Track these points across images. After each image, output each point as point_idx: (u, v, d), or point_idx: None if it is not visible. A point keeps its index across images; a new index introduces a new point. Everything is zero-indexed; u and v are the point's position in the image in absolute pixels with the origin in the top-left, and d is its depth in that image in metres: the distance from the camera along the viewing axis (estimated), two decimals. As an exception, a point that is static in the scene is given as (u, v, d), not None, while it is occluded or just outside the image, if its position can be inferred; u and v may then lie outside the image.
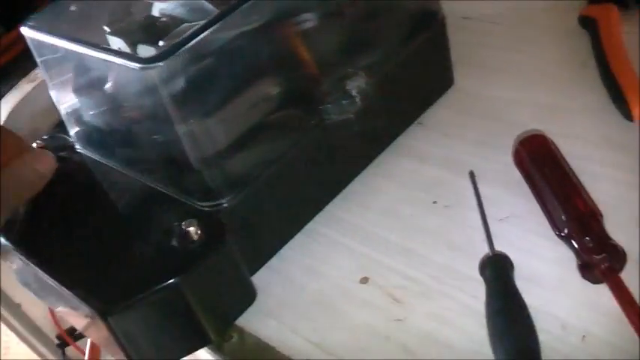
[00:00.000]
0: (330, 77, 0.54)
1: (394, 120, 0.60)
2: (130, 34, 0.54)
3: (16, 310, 1.23)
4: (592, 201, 0.48)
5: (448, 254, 0.52)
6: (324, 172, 0.56)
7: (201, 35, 0.47)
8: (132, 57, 0.48)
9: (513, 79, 0.65)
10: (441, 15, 0.62)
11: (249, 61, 0.50)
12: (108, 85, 0.53)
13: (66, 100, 0.58)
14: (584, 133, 0.57)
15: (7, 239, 0.56)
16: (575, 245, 0.45)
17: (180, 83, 0.47)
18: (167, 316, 0.48)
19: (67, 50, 0.53)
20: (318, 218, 0.58)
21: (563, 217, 0.47)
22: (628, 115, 0.55)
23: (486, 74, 0.66)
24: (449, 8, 0.63)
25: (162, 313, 0.48)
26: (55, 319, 0.61)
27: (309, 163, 0.54)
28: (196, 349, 0.50)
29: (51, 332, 1.29)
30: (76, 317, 0.54)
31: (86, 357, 0.59)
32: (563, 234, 0.46)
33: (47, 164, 0.55)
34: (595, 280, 0.45)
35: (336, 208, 0.58)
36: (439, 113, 0.64)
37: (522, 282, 0.46)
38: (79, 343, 1.27)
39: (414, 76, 0.60)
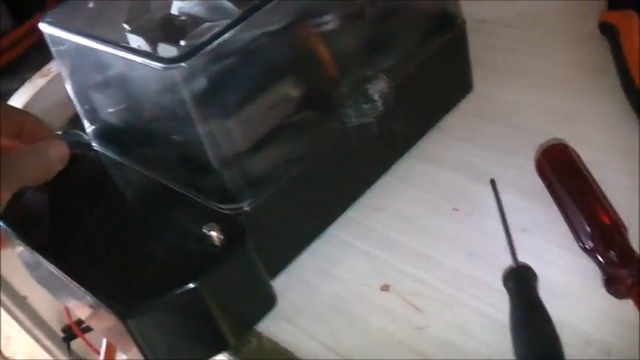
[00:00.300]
0: (350, 80, 0.53)
1: (413, 124, 0.58)
2: (149, 32, 0.53)
3: (21, 302, 1.22)
4: (616, 213, 0.46)
5: (467, 262, 0.51)
6: (344, 175, 0.55)
7: (225, 36, 0.46)
8: (154, 56, 0.46)
9: (531, 84, 0.64)
10: (461, 18, 0.61)
11: (271, 62, 0.49)
12: (128, 84, 0.51)
13: (83, 97, 0.57)
14: (603, 141, 0.56)
15: (21, 235, 0.55)
16: (600, 259, 0.44)
17: (202, 83, 0.46)
18: (186, 319, 0.47)
19: (86, 47, 0.51)
20: (332, 220, 0.57)
21: (586, 229, 0.46)
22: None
23: (503, 78, 0.65)
24: (464, 11, 0.61)
25: (182, 317, 0.47)
26: (69, 315, 0.60)
27: (328, 167, 0.53)
28: (215, 354, 0.49)
29: (57, 325, 1.28)
30: (92, 316, 0.53)
31: (102, 356, 0.58)
32: (587, 247, 0.45)
33: (60, 152, 0.54)
34: (620, 295, 0.44)
35: (351, 210, 0.57)
36: (456, 117, 0.63)
37: (544, 294, 0.45)
38: (88, 337, 1.27)
39: (434, 79, 0.59)
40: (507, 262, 0.49)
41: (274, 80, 0.50)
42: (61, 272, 0.49)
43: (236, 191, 0.49)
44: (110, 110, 0.56)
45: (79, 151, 0.58)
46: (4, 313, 1.21)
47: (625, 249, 0.44)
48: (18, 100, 0.78)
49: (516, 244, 0.50)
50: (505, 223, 0.51)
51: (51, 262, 0.51)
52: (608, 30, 0.62)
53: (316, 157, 0.52)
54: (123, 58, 0.49)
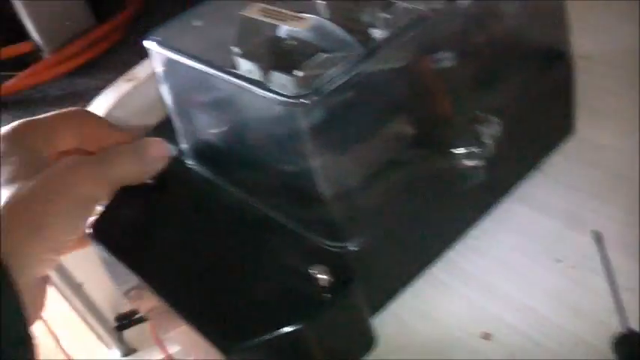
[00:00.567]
0: (461, 119, 0.51)
1: (516, 166, 0.56)
2: (259, 57, 0.50)
3: (77, 289, 1.21)
4: None
5: (573, 320, 0.48)
6: (447, 216, 0.52)
7: (353, 72, 0.43)
8: (274, 90, 0.44)
9: (636, 130, 0.60)
10: (570, 55, 0.58)
11: (389, 99, 0.47)
12: (238, 109, 0.49)
13: (184, 114, 0.55)
14: None
15: (112, 247, 0.53)
16: None
17: (321, 118, 0.44)
18: (287, 359, 0.45)
19: (196, 70, 0.50)
20: (431, 260, 0.55)
21: None
22: None
23: (607, 121, 0.62)
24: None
25: (284, 356, 0.45)
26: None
27: (434, 207, 0.51)
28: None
29: (110, 314, 1.27)
30: (175, 327, 0.52)
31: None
32: None
33: (160, 151, 0.54)
34: None
35: (450, 251, 0.55)
36: (557, 161, 0.60)
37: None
38: (139, 328, 1.26)
39: (539, 119, 0.57)
40: (615, 324, 0.46)
41: (390, 117, 0.48)
42: (160, 297, 0.48)
43: (345, 229, 0.47)
44: (212, 131, 0.54)
45: (173, 166, 0.56)
46: (60, 299, 1.20)
47: None
48: (101, 103, 0.76)
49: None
50: (613, 282, 0.48)
51: (148, 284, 0.49)
52: None
53: (424, 197, 0.50)
54: (239, 86, 0.47)
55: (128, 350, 1.29)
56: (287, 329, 0.44)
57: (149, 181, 0.56)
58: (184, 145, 0.57)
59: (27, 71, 0.88)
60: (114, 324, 1.30)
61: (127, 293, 0.58)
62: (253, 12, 0.51)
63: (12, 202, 0.46)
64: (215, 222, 0.52)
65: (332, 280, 0.45)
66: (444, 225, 0.53)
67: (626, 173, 0.57)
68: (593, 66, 0.66)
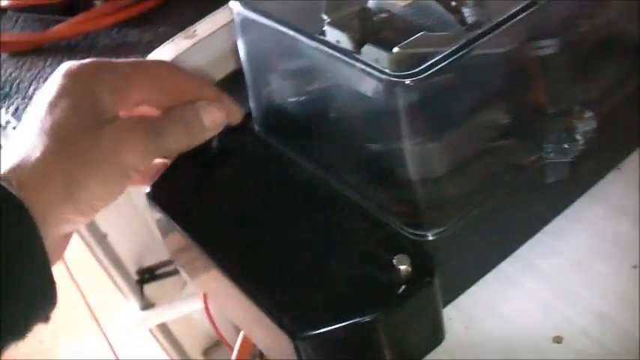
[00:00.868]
0: (555, 112, 0.48)
1: (600, 165, 0.53)
2: (349, 27, 0.47)
3: (101, 239, 1.19)
4: None
5: (649, 331, 0.46)
6: (527, 210, 0.50)
7: (460, 54, 0.40)
8: (375, 66, 0.41)
9: None
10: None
11: (488, 85, 0.44)
12: (327, 81, 0.46)
13: (261, 80, 0.52)
14: None
15: (174, 217, 0.51)
16: None
17: (420, 99, 0.41)
18: (355, 349, 0.43)
19: (281, 34, 0.46)
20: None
21: None
22: None
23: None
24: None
25: (352, 346, 0.43)
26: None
27: (516, 200, 0.48)
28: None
29: (132, 267, 1.25)
30: (237, 309, 0.49)
31: (235, 353, 0.54)
32: None
33: (215, 118, 0.51)
34: None
35: (524, 246, 0.52)
36: (635, 160, 0.57)
37: None
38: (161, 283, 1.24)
39: (626, 116, 0.53)
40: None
41: (487, 104, 0.45)
42: (226, 276, 0.45)
43: (428, 216, 0.44)
44: (291, 99, 0.51)
45: (240, 132, 0.54)
46: (84, 250, 1.18)
47: None
48: (157, 58, 0.73)
49: None
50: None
51: (211, 257, 0.47)
52: None
53: (510, 189, 0.47)
54: (331, 56, 0.44)
55: (147, 304, 1.27)
56: (361, 319, 0.41)
57: (213, 145, 0.53)
58: (255, 111, 0.54)
59: (77, 17, 0.84)
60: (135, 277, 1.29)
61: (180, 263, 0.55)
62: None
63: (49, 156, 0.43)
64: (284, 196, 0.50)
65: (412, 270, 0.42)
66: (523, 220, 0.50)
67: None
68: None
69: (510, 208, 0.48)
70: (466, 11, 0.47)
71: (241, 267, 0.45)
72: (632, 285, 0.49)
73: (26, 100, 0.77)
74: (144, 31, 0.85)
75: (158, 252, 1.24)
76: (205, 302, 0.57)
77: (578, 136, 0.48)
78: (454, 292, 0.48)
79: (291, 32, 0.46)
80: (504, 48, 0.43)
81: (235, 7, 0.50)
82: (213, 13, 0.64)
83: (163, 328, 1.35)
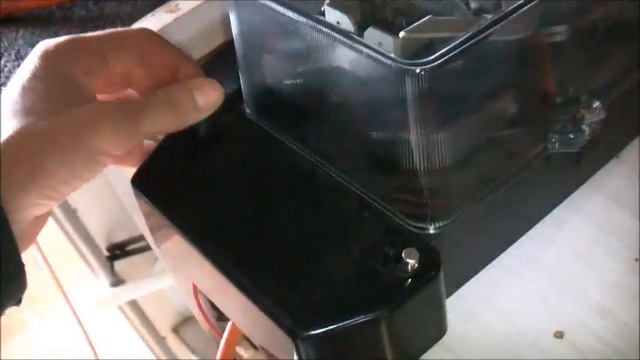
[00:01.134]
0: (562, 101, 0.46)
1: (602, 154, 0.51)
2: (351, 9, 0.45)
3: (70, 214, 1.15)
4: None
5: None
6: (530, 202, 0.48)
7: (475, 40, 0.38)
8: (382, 51, 0.39)
9: None
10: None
11: (499, 73, 0.42)
12: (327, 63, 0.44)
13: (254, 60, 0.49)
14: None
15: (159, 205, 0.48)
16: None
17: (429, 88, 0.39)
18: (357, 347, 0.41)
19: (283, 17, 0.44)
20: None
21: None
22: None
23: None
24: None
25: (355, 345, 0.41)
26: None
27: (522, 192, 0.46)
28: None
29: (102, 243, 1.22)
30: (228, 303, 0.47)
31: (222, 342, 0.52)
32: None
33: (210, 99, 0.47)
34: None
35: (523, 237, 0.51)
36: (636, 148, 0.56)
37: None
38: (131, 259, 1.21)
39: (630, 107, 0.52)
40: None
41: (496, 93, 0.42)
42: (219, 271, 0.43)
43: (433, 208, 0.42)
44: (286, 82, 0.48)
45: (230, 114, 0.51)
46: (53, 225, 1.15)
47: None
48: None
49: None
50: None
51: (205, 254, 0.44)
52: None
53: (514, 181, 0.45)
54: (336, 41, 0.41)
55: (117, 281, 1.24)
56: (366, 317, 0.39)
57: (201, 127, 0.50)
58: (246, 93, 0.51)
59: (51, -14, 0.80)
60: (106, 253, 1.26)
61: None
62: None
63: (17, 140, 0.41)
64: (279, 183, 0.47)
65: (418, 263, 0.40)
66: (524, 211, 0.48)
67: None
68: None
69: (513, 199, 0.46)
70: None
71: (235, 261, 0.43)
72: (633, 279, 0.47)
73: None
74: (122, 4, 0.80)
75: (129, 227, 1.21)
76: (196, 295, 0.54)
77: (584, 127, 0.46)
78: (453, 285, 0.46)
79: (289, 12, 0.43)
80: (517, 35, 0.41)
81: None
82: (197, -14, 0.61)
83: (133, 304, 1.32)
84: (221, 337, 0.51)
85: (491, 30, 0.39)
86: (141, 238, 1.24)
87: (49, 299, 1.42)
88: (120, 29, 0.49)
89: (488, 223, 0.45)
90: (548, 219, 0.51)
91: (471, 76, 0.40)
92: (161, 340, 1.38)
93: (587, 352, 0.45)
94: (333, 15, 0.45)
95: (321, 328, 0.39)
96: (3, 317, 0.43)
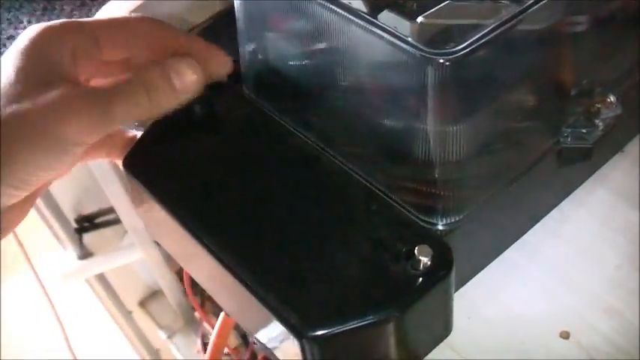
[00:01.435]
0: (576, 93, 0.44)
1: (609, 149, 0.50)
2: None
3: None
4: None
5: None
6: (539, 196, 0.46)
7: (501, 30, 0.36)
8: (404, 38, 0.36)
9: None
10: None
11: (519, 64, 0.40)
12: (338, 45, 0.41)
13: (257, 38, 0.46)
14: None
15: (153, 190, 0.45)
16: None
17: (450, 78, 0.36)
18: (365, 348, 0.39)
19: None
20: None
21: None
22: None
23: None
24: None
25: (363, 345, 0.39)
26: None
27: (532, 187, 0.45)
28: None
29: (71, 215, 1.18)
30: (224, 294, 0.44)
31: (215, 332, 0.49)
32: None
33: (189, 80, 0.44)
34: None
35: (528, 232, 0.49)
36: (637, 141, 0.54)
37: None
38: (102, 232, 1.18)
39: (636, 98, 0.50)
40: None
41: (515, 84, 0.40)
42: (219, 263, 0.40)
43: (447, 203, 0.40)
44: (291, 63, 0.45)
45: (228, 94, 0.48)
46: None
47: None
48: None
49: None
50: None
51: (203, 245, 0.41)
52: None
53: (523, 175, 0.43)
54: (350, 23, 0.39)
55: (85, 254, 1.21)
56: (375, 318, 0.37)
57: (196, 107, 0.47)
58: (246, 72, 0.48)
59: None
60: (74, 225, 1.22)
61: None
62: None
63: None
64: (280, 170, 0.45)
65: (431, 261, 0.38)
66: (532, 206, 0.47)
67: None
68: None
69: (523, 194, 0.45)
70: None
71: (235, 253, 0.40)
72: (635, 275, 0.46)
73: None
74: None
75: (98, 199, 1.17)
76: (188, 282, 0.51)
77: (597, 121, 0.44)
78: (459, 282, 0.44)
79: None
80: (541, 24, 0.39)
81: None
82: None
83: (100, 277, 1.29)
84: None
85: (520, 18, 0.37)
86: (110, 210, 1.21)
87: (14, 269, 1.38)
88: (118, 16, 0.46)
89: (498, 218, 0.44)
90: (552, 212, 0.50)
91: (493, 67, 0.38)
92: (127, 315, 1.35)
93: (592, 352, 0.43)
94: (344, -5, 0.42)
95: (330, 328, 0.37)
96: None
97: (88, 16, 0.70)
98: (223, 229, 0.42)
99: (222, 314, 0.51)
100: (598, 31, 0.43)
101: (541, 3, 0.37)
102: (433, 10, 0.40)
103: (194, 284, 1.32)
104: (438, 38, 0.38)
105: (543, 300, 0.46)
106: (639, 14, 0.45)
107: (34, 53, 0.41)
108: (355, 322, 0.37)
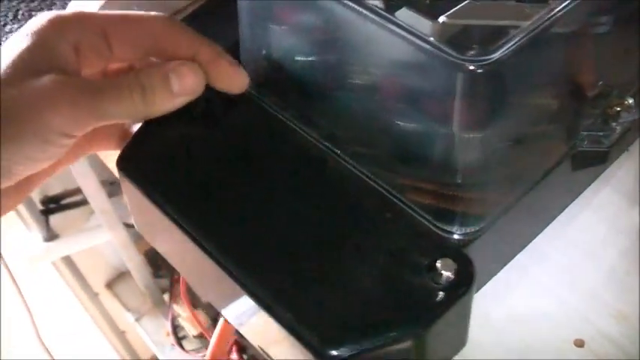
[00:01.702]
0: (596, 95, 0.42)
1: (620, 149, 0.48)
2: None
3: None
4: None
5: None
6: (552, 201, 0.45)
7: (532, 34, 0.34)
8: (432, 42, 0.34)
9: None
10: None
11: (547, 67, 0.38)
12: (348, 41, 0.38)
13: (260, 31, 0.43)
14: None
15: (150, 190, 0.42)
16: None
17: (482, 85, 0.34)
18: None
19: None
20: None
21: None
22: None
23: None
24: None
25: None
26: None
27: (548, 192, 0.43)
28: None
29: (36, 195, 1.13)
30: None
31: (211, 344, 0.47)
32: None
33: (189, 83, 0.42)
34: None
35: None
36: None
37: None
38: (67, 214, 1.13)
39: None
40: None
41: (541, 88, 0.38)
42: (226, 273, 0.38)
43: (468, 212, 0.38)
44: (298, 58, 0.42)
45: (226, 95, 0.45)
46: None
47: None
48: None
49: None
50: None
51: (208, 253, 0.39)
52: None
53: (542, 180, 0.41)
54: (366, 20, 0.36)
55: (51, 236, 1.16)
56: (399, 335, 0.35)
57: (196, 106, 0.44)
58: (248, 67, 0.45)
59: None
60: (40, 207, 1.17)
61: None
62: None
63: None
64: (285, 173, 0.42)
65: (454, 274, 0.36)
66: (546, 210, 0.45)
67: None
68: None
69: (539, 200, 0.43)
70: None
71: (242, 264, 0.38)
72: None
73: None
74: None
75: (64, 179, 1.13)
76: (184, 289, 0.48)
77: (614, 125, 0.42)
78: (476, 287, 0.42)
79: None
80: (569, 26, 0.36)
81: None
82: None
83: (65, 258, 1.25)
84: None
85: (552, 21, 0.34)
86: (77, 191, 1.16)
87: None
88: (133, 12, 0.42)
89: (515, 224, 0.42)
90: (563, 216, 0.48)
91: (522, 71, 0.36)
92: (94, 297, 1.31)
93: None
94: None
95: (351, 346, 0.34)
96: None
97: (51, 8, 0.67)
98: (227, 236, 0.39)
99: (221, 320, 0.48)
100: (618, 32, 0.41)
101: (572, 4, 0.35)
102: (455, 9, 0.37)
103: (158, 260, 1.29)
104: (459, 39, 0.36)
105: (551, 304, 0.44)
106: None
107: (34, 40, 0.40)
108: (377, 339, 0.35)
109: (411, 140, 0.38)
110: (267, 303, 0.36)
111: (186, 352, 1.22)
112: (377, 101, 0.39)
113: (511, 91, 0.36)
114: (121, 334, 1.37)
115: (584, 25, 0.39)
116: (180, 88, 0.42)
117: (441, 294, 0.36)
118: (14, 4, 0.67)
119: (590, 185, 0.48)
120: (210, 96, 0.44)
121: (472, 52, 0.34)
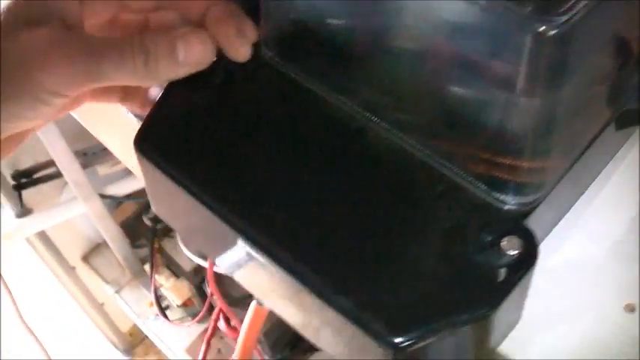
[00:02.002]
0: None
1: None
2: None
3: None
4: None
5: None
6: (596, 164, 0.42)
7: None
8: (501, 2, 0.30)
9: None
10: None
11: (607, 28, 0.35)
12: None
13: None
14: None
15: (174, 169, 0.38)
16: None
17: (553, 47, 0.31)
18: (451, 348, 0.34)
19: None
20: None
21: None
22: None
23: None
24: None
25: (449, 346, 0.34)
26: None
27: (595, 155, 0.40)
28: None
29: (7, 170, 1.08)
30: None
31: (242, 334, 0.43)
32: None
33: (196, 54, 0.38)
34: None
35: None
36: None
37: None
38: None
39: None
40: None
41: (601, 50, 0.35)
42: (274, 263, 0.34)
43: (532, 182, 0.35)
44: (330, 21, 0.38)
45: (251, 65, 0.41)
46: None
47: None
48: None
49: None
50: None
51: (247, 237, 0.35)
52: None
53: (592, 143, 0.39)
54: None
55: (24, 211, 1.11)
56: (468, 318, 0.32)
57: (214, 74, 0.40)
58: (268, 31, 0.41)
59: None
60: (12, 182, 1.11)
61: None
62: None
63: None
64: (321, 145, 0.38)
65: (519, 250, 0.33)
66: (589, 174, 0.42)
67: None
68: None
69: (587, 164, 0.40)
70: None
71: (287, 247, 0.34)
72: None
73: None
74: None
75: (36, 152, 1.07)
76: (211, 274, 0.45)
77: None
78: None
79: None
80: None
81: None
82: None
83: (40, 234, 1.19)
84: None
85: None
86: (49, 164, 1.11)
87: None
88: None
89: (566, 190, 0.39)
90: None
91: (589, 33, 0.33)
92: (70, 270, 1.26)
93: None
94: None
95: (419, 332, 0.32)
96: None
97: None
98: (267, 220, 0.36)
99: (253, 303, 0.44)
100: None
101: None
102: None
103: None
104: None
105: (603, 277, 0.42)
106: None
107: None
108: (444, 324, 0.32)
109: (466, 106, 0.35)
110: (326, 292, 0.32)
111: (170, 321, 1.19)
112: (427, 65, 0.35)
113: (577, 54, 0.33)
114: (99, 307, 1.32)
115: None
116: (186, 58, 0.38)
117: (504, 271, 0.33)
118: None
119: (619, 150, 0.46)
120: (229, 65, 0.39)
121: (540, 13, 0.30)
